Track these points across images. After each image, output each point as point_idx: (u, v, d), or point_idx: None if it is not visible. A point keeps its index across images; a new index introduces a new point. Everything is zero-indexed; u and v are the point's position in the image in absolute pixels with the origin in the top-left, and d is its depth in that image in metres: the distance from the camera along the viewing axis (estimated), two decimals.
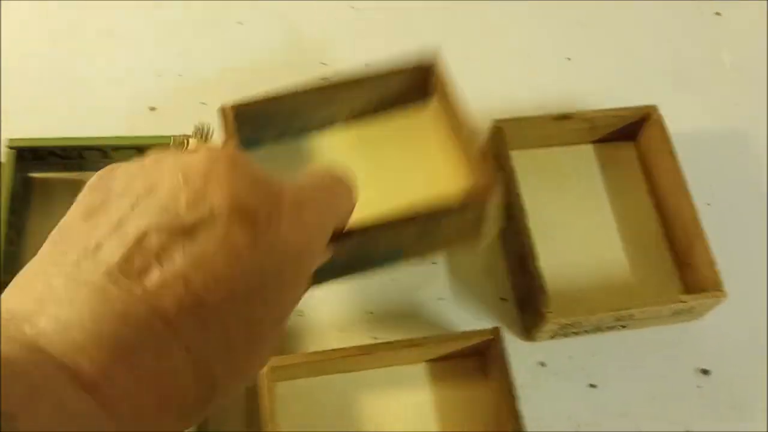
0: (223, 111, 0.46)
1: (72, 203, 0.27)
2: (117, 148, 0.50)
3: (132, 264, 0.24)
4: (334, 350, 0.44)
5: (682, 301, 0.47)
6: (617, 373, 0.49)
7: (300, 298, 0.29)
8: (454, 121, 0.46)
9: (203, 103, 0.56)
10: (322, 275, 0.35)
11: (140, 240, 0.25)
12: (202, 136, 0.31)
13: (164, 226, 0.25)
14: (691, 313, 0.49)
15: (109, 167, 0.28)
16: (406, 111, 0.50)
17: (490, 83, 0.59)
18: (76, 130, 0.52)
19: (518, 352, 0.49)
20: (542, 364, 0.49)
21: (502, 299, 0.51)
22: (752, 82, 0.61)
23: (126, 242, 0.25)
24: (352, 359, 0.45)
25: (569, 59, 0.61)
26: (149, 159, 0.28)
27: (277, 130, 0.49)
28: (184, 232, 0.25)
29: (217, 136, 0.30)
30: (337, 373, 0.46)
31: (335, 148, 0.49)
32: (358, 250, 0.42)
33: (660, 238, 0.53)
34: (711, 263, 0.48)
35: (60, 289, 0.24)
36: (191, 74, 0.58)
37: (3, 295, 0.25)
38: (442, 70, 0.47)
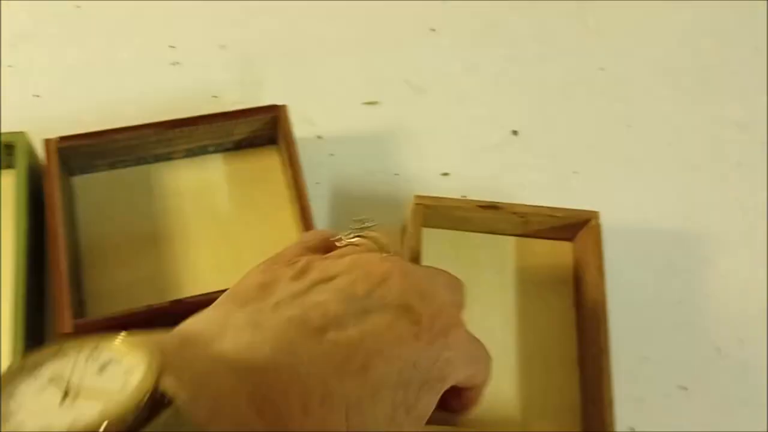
0: (47, 144, 0.45)
1: None
2: None
3: (311, 321, 0.29)
4: None
5: None
6: None
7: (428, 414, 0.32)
8: (291, 174, 0.47)
9: (36, 96, 0.52)
10: None
11: (319, 306, 0.30)
12: (363, 229, 0.38)
13: (342, 302, 0.30)
14: None
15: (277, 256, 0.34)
16: (252, 154, 0.51)
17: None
18: None
19: None
20: None
21: None
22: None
23: (305, 306, 0.30)
24: None
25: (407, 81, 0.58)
26: (331, 255, 0.34)
27: (110, 161, 0.49)
28: (358, 311, 0.30)
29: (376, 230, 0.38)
30: None
31: (175, 181, 0.49)
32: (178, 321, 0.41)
33: (573, 363, 0.47)
34: (609, 403, 0.42)
35: (242, 322, 0.28)
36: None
37: (185, 322, 0.29)
38: (286, 118, 0.48)
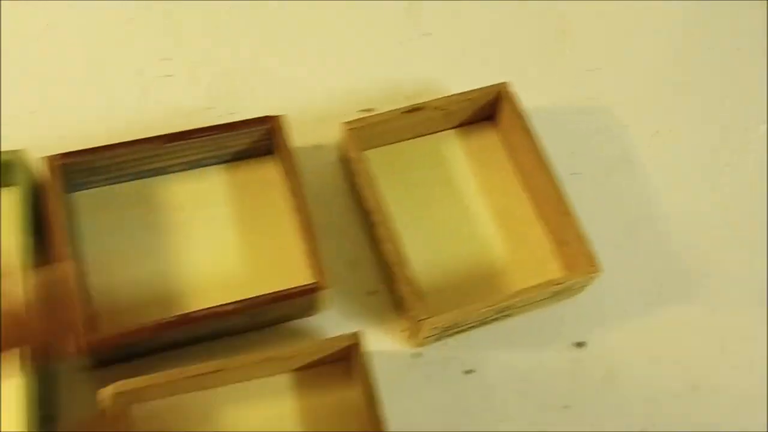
0: (49, 161, 0.45)
1: None
2: None
3: None
4: (184, 369, 0.42)
5: (557, 284, 0.46)
6: (493, 356, 0.48)
7: None
8: (290, 184, 0.48)
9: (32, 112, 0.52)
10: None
11: None
12: None
13: None
14: (571, 291, 0.49)
15: None
16: (250, 165, 0.51)
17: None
18: None
19: (392, 343, 0.47)
20: (417, 355, 0.48)
21: (370, 293, 0.49)
22: (599, 51, 0.60)
23: None
24: (208, 377, 0.42)
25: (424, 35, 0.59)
26: None
27: (107, 177, 0.49)
28: None
29: None
30: (195, 391, 0.44)
31: (173, 195, 0.50)
32: (184, 334, 0.43)
33: (533, 218, 0.52)
34: (582, 238, 0.47)
35: None
36: None
37: None
38: (282, 128, 0.49)
